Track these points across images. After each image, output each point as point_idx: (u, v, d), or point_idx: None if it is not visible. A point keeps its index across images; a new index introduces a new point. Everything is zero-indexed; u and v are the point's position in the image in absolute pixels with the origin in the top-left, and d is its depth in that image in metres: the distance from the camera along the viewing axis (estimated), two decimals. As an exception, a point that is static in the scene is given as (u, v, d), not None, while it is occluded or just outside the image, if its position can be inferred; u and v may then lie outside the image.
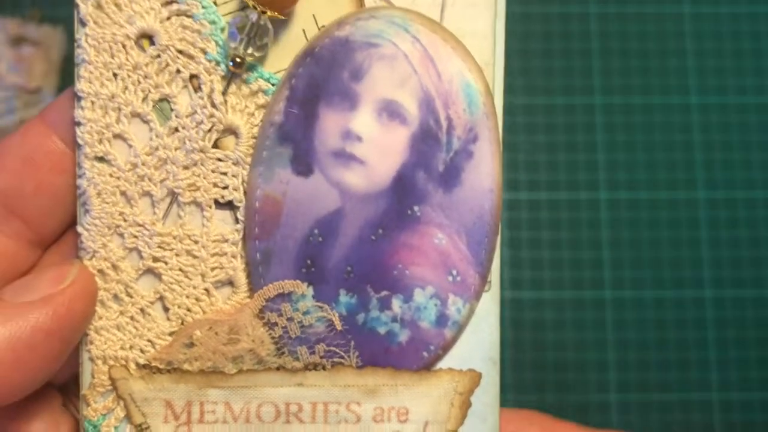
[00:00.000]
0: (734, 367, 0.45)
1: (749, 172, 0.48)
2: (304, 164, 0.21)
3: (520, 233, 0.47)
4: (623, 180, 0.48)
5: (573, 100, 0.48)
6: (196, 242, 0.21)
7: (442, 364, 0.22)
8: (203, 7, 0.20)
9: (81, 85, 0.20)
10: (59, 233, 0.22)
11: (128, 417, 0.21)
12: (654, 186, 0.48)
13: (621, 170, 0.48)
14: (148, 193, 0.21)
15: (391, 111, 0.21)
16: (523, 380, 0.45)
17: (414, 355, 0.22)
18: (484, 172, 0.21)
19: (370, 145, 0.21)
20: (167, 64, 0.20)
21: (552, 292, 0.46)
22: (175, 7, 0.20)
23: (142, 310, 0.21)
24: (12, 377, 0.19)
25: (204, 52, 0.20)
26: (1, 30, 0.50)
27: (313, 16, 0.21)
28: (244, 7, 0.20)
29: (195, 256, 0.21)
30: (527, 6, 0.49)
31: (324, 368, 0.21)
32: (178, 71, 0.20)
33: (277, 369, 0.21)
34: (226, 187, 0.21)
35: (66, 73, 0.53)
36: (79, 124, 0.20)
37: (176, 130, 0.21)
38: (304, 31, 0.21)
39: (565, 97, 0.48)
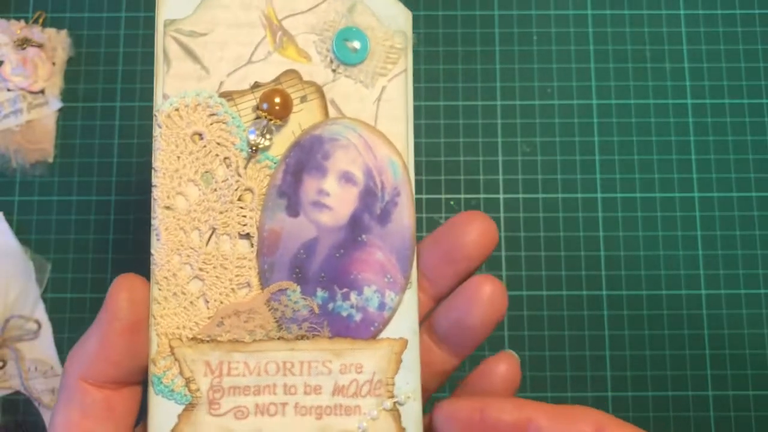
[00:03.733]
0: (730, 364, 0.46)
1: (744, 172, 0.48)
2: (293, 210, 0.34)
3: (518, 233, 0.47)
4: (619, 180, 0.47)
5: (570, 101, 0.48)
6: (226, 259, 0.33)
7: (383, 335, 0.34)
8: (232, 118, 0.34)
9: (157, 163, 0.33)
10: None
11: (180, 372, 0.32)
12: (649, 186, 0.47)
13: (617, 170, 0.48)
14: (197, 228, 0.33)
15: (347, 178, 0.34)
16: (522, 378, 0.43)
17: (365, 330, 0.34)
18: (405, 215, 0.35)
19: (335, 198, 0.34)
20: (210, 151, 0.34)
21: (549, 291, 0.46)
22: (215, 117, 0.34)
23: (191, 303, 0.33)
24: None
25: (233, 143, 0.34)
26: (6, 32, 0.51)
27: (299, 123, 0.35)
28: (257, 117, 0.34)
29: (225, 268, 0.33)
30: (526, 9, 0.49)
31: (307, 338, 0.33)
32: (217, 155, 0.34)
33: (278, 339, 0.33)
34: (245, 225, 0.33)
35: (69, 75, 0.51)
36: (154, 186, 0.33)
37: (215, 190, 0.33)
38: (293, 132, 0.35)
39: (561, 100, 0.49)
